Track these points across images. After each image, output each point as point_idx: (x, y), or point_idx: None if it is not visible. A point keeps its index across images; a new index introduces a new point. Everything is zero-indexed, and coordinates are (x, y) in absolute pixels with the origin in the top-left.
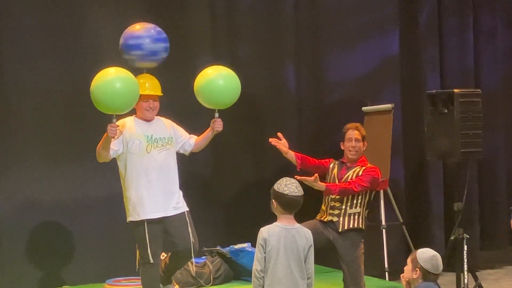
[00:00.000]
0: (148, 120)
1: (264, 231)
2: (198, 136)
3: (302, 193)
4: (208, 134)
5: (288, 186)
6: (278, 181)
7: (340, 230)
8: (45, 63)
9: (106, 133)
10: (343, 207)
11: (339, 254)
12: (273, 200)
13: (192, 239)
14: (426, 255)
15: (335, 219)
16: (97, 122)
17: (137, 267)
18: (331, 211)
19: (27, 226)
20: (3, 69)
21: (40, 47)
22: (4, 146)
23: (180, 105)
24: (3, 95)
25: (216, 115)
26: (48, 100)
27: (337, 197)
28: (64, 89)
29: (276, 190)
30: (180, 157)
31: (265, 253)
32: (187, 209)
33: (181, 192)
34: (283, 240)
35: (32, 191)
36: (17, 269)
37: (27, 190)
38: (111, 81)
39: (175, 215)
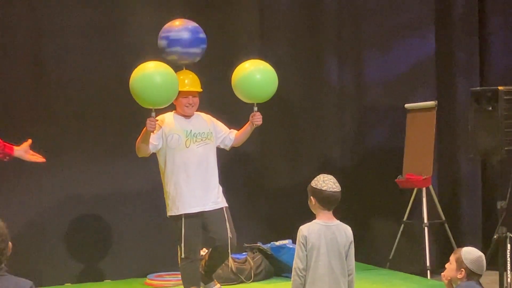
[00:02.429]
0: (187, 116)
1: (304, 229)
2: (238, 130)
3: (340, 189)
4: (247, 129)
5: (326, 182)
6: (316, 178)
7: None
8: (86, 59)
9: (145, 127)
10: None
11: None
12: (312, 197)
13: (229, 234)
14: (472, 255)
15: None
16: (138, 116)
17: (179, 262)
18: None
19: (69, 221)
20: (45, 66)
21: (81, 44)
22: (47, 141)
23: (220, 100)
24: (45, 92)
25: (255, 109)
26: (89, 96)
27: None
28: (105, 85)
29: (314, 186)
30: (223, 154)
31: (306, 251)
32: (226, 205)
33: (220, 188)
34: (323, 237)
35: (74, 186)
36: (58, 263)
37: (69, 185)
38: (150, 74)
39: (214, 210)
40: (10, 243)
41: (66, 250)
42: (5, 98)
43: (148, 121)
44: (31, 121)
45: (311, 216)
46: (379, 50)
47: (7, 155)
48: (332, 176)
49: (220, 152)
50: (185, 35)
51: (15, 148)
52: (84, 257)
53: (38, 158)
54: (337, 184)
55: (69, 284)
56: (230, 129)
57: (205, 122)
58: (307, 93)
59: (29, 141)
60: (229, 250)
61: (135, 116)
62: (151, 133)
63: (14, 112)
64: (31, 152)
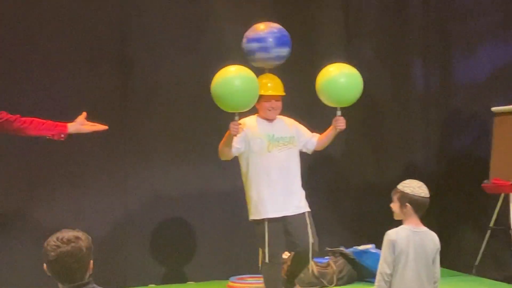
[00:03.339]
0: (270, 120)
1: (392, 234)
2: (320, 134)
3: None
4: (330, 133)
5: (422, 188)
6: (407, 185)
7: None
8: (172, 61)
9: (228, 131)
10: None
11: None
12: (407, 204)
13: (311, 240)
14: None
15: None
16: (222, 119)
17: (259, 265)
18: None
19: (153, 222)
20: (133, 68)
21: (168, 45)
22: (133, 143)
23: (303, 104)
24: (131, 94)
25: (338, 113)
26: (174, 98)
27: None
28: (190, 87)
29: (411, 194)
30: (306, 156)
31: (394, 256)
32: (309, 209)
33: (303, 192)
34: (412, 243)
35: (159, 187)
36: (143, 264)
37: (153, 187)
38: (231, 79)
39: (296, 215)
40: (91, 262)
41: (151, 251)
42: (92, 100)
43: (231, 125)
44: (117, 123)
45: (394, 221)
46: (465, 53)
47: (61, 133)
48: (420, 182)
49: (303, 154)
50: (271, 38)
51: (69, 124)
52: (168, 259)
53: (98, 126)
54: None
55: (153, 285)
56: (313, 132)
57: (287, 126)
58: (392, 96)
59: (84, 113)
60: (310, 256)
61: (219, 118)
62: (234, 137)
63: (101, 114)
64: (89, 123)
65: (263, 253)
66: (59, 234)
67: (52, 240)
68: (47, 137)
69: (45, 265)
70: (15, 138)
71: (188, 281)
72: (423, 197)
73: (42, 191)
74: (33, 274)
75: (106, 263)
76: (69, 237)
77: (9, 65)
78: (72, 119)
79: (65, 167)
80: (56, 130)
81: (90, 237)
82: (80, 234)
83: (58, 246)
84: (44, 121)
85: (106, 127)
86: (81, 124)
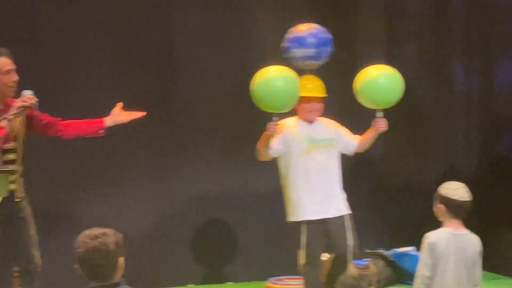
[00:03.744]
0: (310, 121)
1: (432, 236)
2: (361, 136)
3: (471, 197)
4: (371, 134)
5: (458, 191)
6: (445, 186)
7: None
8: (215, 62)
9: (266, 131)
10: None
11: None
12: (441, 205)
13: (349, 243)
14: None
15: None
16: (264, 120)
17: (298, 267)
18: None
19: (192, 222)
20: (177, 69)
21: (212, 46)
22: (174, 143)
23: (344, 105)
24: (175, 95)
25: (379, 114)
26: (216, 99)
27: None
28: (231, 88)
29: (445, 195)
30: (346, 158)
31: (433, 259)
32: (349, 212)
33: (343, 195)
34: (452, 246)
35: (199, 188)
36: (182, 264)
37: (193, 187)
38: (271, 79)
39: (335, 217)
40: (121, 259)
41: (190, 251)
42: (136, 100)
43: (269, 125)
44: (159, 123)
45: (435, 223)
46: (507, 55)
47: (99, 129)
48: (463, 184)
49: (343, 156)
50: (312, 39)
51: (105, 118)
52: (206, 259)
53: (135, 114)
54: (469, 193)
55: (192, 285)
56: (353, 134)
57: (327, 128)
58: (434, 98)
59: (119, 104)
60: (349, 259)
61: (261, 119)
62: (272, 137)
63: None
64: (126, 112)
65: (301, 255)
66: (87, 232)
67: (80, 237)
68: (87, 136)
69: (76, 264)
70: (57, 139)
71: (226, 281)
72: (455, 199)
73: (83, 191)
74: (75, 273)
75: (145, 262)
76: (96, 233)
77: (56, 65)
78: None
79: (106, 167)
80: (93, 126)
81: (120, 235)
82: (108, 230)
83: (85, 242)
84: (81, 121)
85: (144, 113)
86: (117, 115)
